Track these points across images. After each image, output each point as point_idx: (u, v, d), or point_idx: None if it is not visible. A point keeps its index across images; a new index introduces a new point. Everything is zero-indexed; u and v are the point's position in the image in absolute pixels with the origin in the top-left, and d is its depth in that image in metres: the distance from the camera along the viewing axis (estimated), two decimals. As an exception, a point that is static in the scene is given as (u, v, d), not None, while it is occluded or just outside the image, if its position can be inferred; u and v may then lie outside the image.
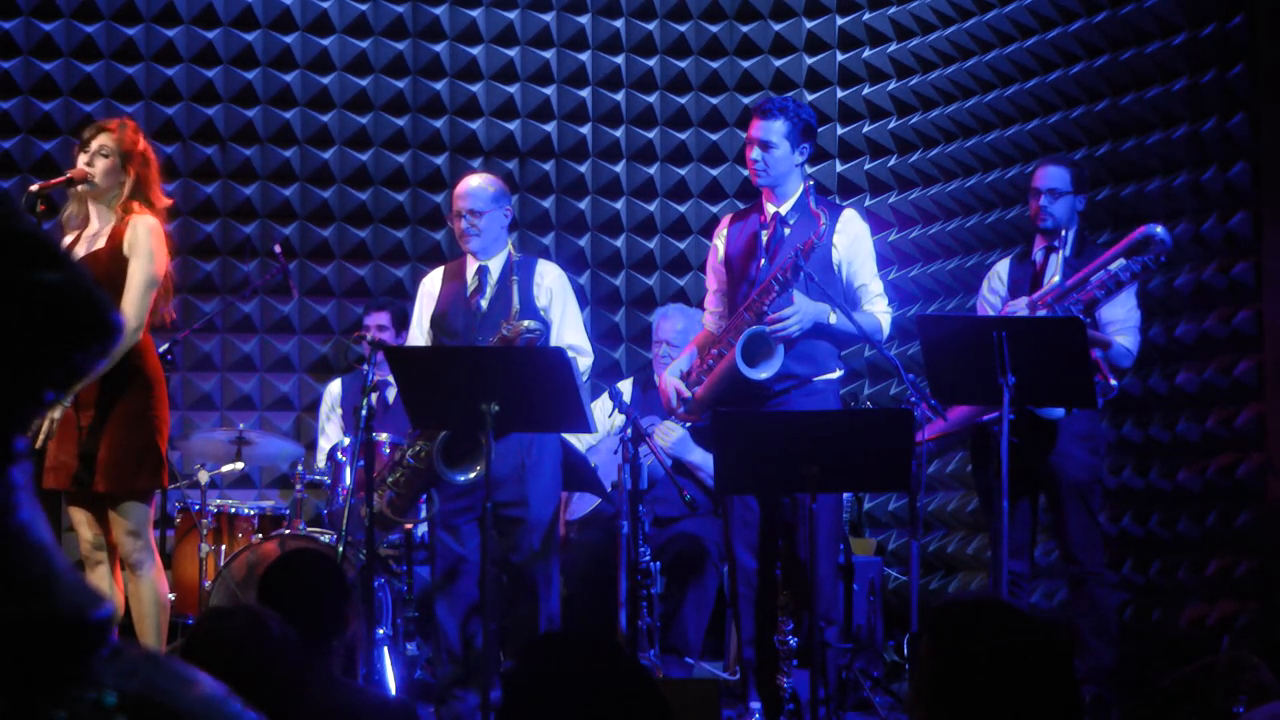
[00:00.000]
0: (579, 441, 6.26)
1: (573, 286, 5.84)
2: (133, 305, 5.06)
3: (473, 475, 5.34)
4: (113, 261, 5.05)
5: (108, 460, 5.05)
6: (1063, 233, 5.66)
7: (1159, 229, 5.33)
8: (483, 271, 5.67)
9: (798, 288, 5.26)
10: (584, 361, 5.59)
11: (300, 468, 6.71)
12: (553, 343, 5.56)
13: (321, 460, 6.86)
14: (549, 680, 1.99)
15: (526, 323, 5.40)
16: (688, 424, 6.42)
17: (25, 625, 1.32)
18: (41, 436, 4.95)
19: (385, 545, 6.27)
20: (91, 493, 5.11)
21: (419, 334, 5.77)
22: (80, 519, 5.16)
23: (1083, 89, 6.79)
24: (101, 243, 5.13)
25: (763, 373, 5.24)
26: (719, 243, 5.60)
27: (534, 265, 5.75)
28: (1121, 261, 5.36)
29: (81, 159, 5.17)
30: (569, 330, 5.65)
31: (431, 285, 5.81)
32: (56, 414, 4.94)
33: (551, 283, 5.69)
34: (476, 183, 5.71)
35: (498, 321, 5.46)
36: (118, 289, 5.03)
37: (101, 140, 5.15)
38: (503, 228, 5.70)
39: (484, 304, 5.62)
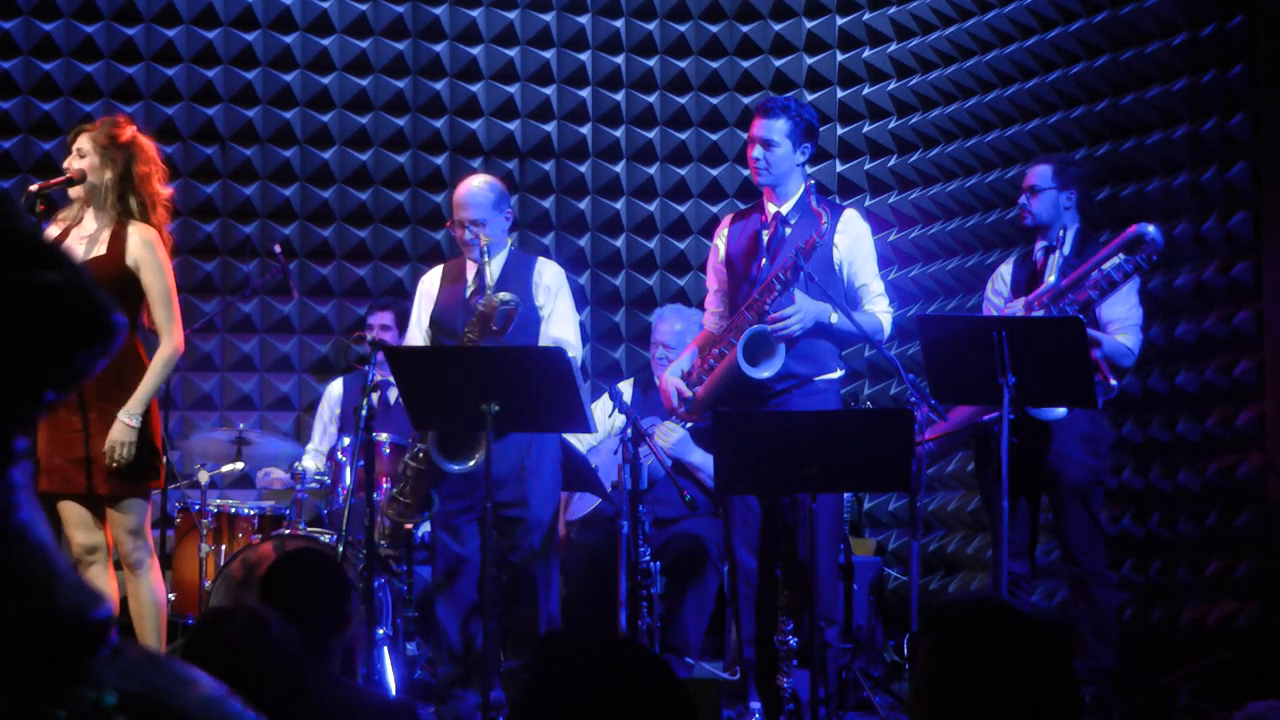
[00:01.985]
0: (579, 442, 6.26)
1: (572, 286, 5.84)
2: (168, 321, 5.11)
3: (470, 465, 5.33)
4: (111, 269, 5.06)
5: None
6: (1060, 232, 5.65)
7: (1150, 228, 5.33)
8: (482, 273, 5.66)
9: (798, 287, 5.26)
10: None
11: (300, 467, 6.71)
12: (540, 334, 5.55)
13: (321, 462, 6.85)
14: (564, 679, 1.97)
15: (501, 295, 5.36)
16: (688, 424, 6.41)
17: (25, 625, 1.32)
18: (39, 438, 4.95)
19: (385, 545, 6.26)
20: (92, 494, 5.10)
21: (418, 333, 5.76)
22: (74, 520, 5.14)
23: (1083, 89, 6.78)
24: (98, 248, 5.13)
25: (764, 372, 5.25)
26: (720, 242, 5.60)
27: (533, 263, 5.75)
28: (1114, 261, 5.36)
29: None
30: (558, 323, 5.61)
31: (430, 285, 5.80)
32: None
33: (549, 280, 5.69)
34: (478, 189, 5.61)
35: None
36: (117, 296, 5.03)
37: (79, 142, 5.21)
38: (504, 231, 5.69)
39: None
